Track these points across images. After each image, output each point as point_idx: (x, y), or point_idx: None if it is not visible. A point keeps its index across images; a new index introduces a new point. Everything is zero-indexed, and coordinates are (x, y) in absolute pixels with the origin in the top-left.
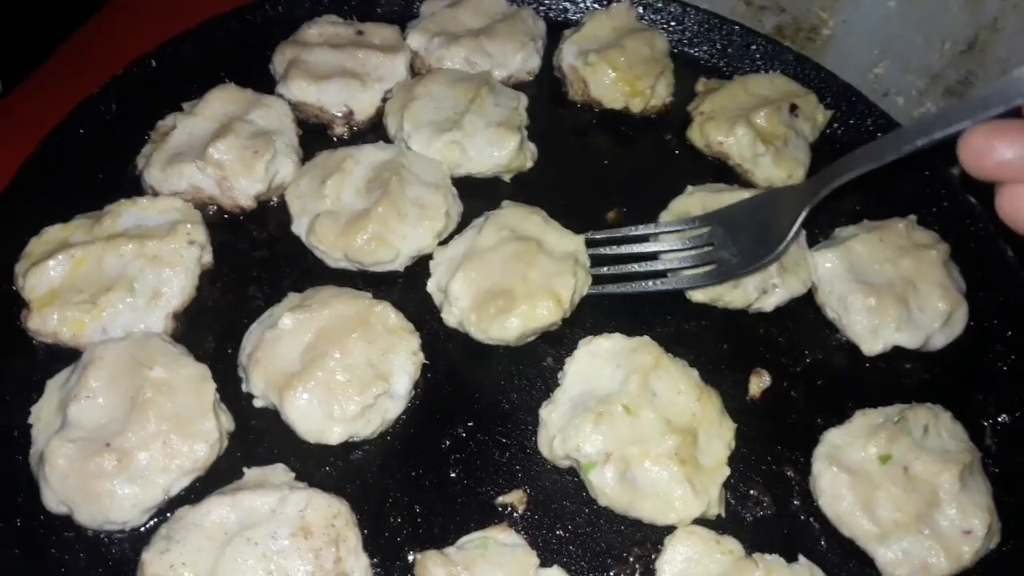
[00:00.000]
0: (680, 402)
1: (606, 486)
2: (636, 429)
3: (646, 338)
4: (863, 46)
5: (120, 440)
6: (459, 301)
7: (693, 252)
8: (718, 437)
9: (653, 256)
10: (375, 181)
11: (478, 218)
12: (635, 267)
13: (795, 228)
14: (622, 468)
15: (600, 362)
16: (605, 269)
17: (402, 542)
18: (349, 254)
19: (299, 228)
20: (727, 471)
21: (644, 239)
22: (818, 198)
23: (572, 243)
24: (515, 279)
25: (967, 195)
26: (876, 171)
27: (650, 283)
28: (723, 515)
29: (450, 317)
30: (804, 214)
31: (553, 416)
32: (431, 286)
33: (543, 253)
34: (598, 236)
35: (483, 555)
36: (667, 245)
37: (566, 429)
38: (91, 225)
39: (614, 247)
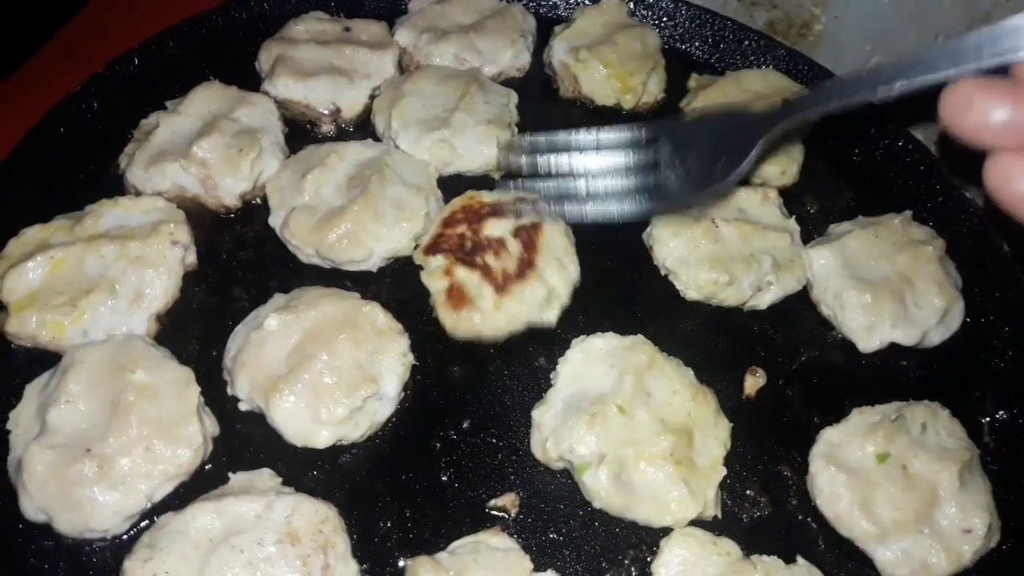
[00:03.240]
0: (675, 402)
1: (600, 488)
2: (631, 430)
3: (640, 337)
4: (855, 41)
5: (101, 446)
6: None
7: (632, 172)
8: (714, 437)
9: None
10: (356, 179)
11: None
12: (553, 185)
13: (751, 157)
14: (617, 470)
15: (593, 362)
16: (511, 186)
17: (392, 547)
18: (321, 250)
19: (275, 221)
20: (723, 471)
21: (574, 149)
22: (782, 127)
23: None
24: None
25: (962, 190)
26: (870, 165)
27: (569, 207)
28: (719, 516)
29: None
30: (762, 142)
31: (546, 417)
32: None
33: None
34: (527, 139)
35: (475, 560)
36: (603, 160)
37: (559, 430)
38: (71, 226)
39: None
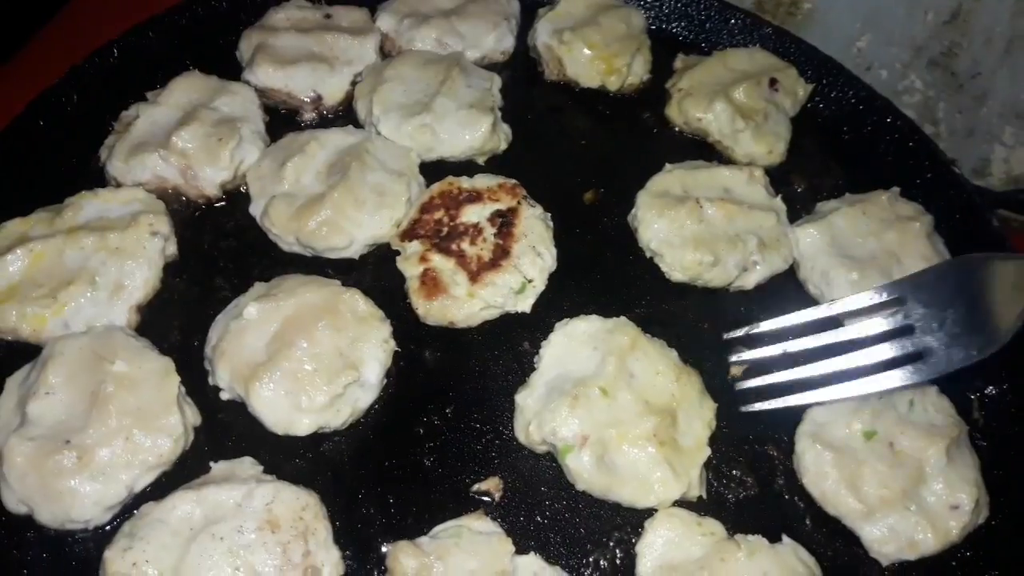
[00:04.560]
0: (659, 383)
1: (583, 470)
2: (614, 411)
3: (623, 319)
4: (845, 19)
5: (81, 436)
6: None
7: (890, 342)
8: (698, 418)
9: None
10: (336, 166)
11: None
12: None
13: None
14: (600, 451)
15: (577, 344)
16: (757, 382)
17: (375, 533)
18: (301, 238)
19: (256, 210)
20: (708, 452)
21: (820, 327)
22: None
23: None
24: None
25: (951, 166)
26: (859, 142)
27: (831, 391)
28: (704, 497)
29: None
30: None
31: (529, 401)
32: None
33: None
34: (755, 331)
35: (457, 544)
36: (851, 333)
37: (542, 413)
38: (51, 218)
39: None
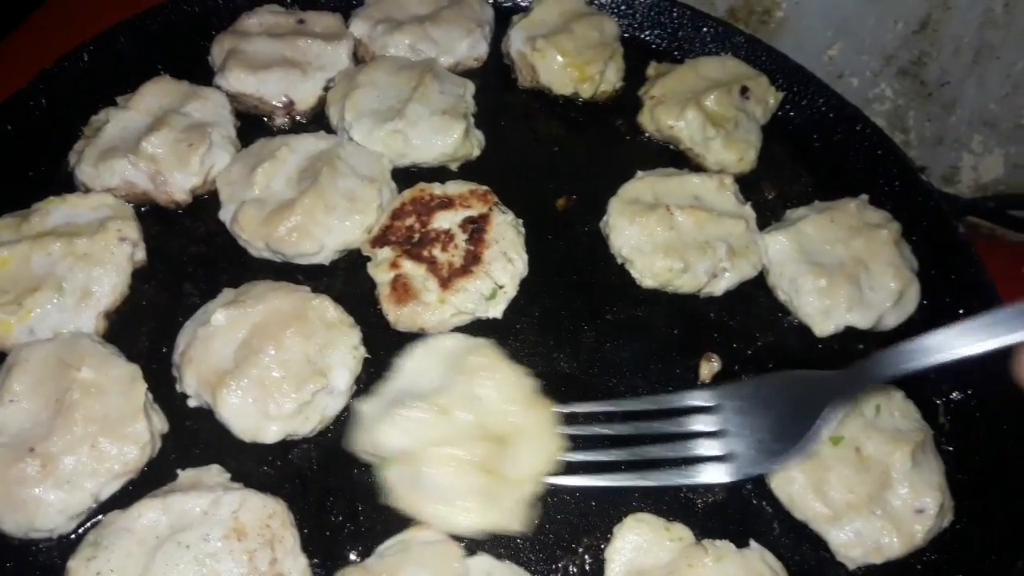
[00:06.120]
0: (503, 411)
1: (396, 484)
2: (445, 431)
3: (487, 340)
4: (817, 28)
5: (45, 444)
6: None
7: (701, 441)
8: (537, 451)
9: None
10: (307, 171)
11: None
12: (624, 453)
13: (819, 423)
14: (416, 469)
15: (434, 361)
16: (579, 456)
17: (343, 541)
18: (271, 244)
19: (225, 215)
20: (534, 487)
21: (638, 416)
22: (853, 395)
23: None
24: None
25: (919, 174)
26: (829, 150)
27: (640, 477)
28: (524, 532)
29: None
30: (829, 409)
31: (366, 408)
32: None
33: None
34: (576, 409)
35: (406, 558)
36: (667, 428)
37: (374, 424)
38: (18, 224)
39: (593, 425)
